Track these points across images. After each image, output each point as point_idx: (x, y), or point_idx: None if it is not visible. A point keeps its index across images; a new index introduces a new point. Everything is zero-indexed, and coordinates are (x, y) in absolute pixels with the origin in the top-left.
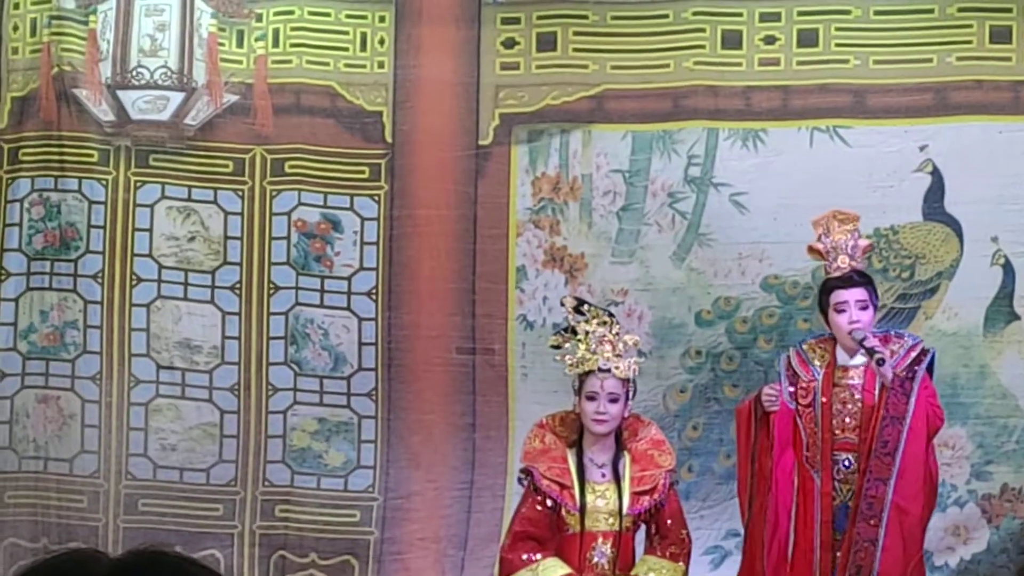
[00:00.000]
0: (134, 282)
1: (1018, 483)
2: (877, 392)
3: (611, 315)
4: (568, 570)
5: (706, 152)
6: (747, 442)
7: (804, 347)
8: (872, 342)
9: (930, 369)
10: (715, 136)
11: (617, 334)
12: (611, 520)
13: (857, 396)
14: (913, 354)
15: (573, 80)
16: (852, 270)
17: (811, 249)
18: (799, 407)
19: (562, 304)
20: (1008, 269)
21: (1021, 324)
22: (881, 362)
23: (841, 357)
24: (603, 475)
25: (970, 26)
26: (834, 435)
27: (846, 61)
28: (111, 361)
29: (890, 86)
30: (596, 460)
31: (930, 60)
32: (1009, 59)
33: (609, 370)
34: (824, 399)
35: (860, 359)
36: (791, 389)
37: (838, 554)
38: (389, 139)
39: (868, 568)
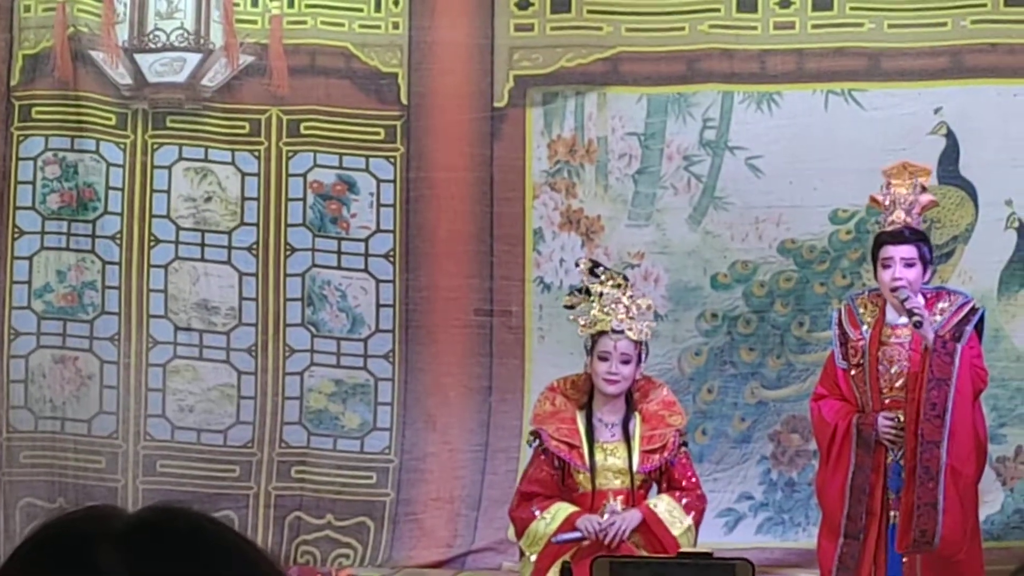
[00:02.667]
0: (152, 243)
1: None
2: (922, 352)
3: (625, 278)
4: (576, 508)
5: (721, 115)
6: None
7: (856, 302)
8: (913, 302)
9: (980, 328)
10: (730, 99)
11: (631, 297)
12: (622, 478)
13: (904, 355)
14: (962, 313)
15: (588, 42)
16: (905, 226)
17: (872, 199)
18: (849, 366)
19: (577, 265)
20: (1022, 233)
21: None
22: (919, 324)
23: (890, 314)
24: (612, 435)
25: None
26: (882, 394)
27: (861, 24)
28: (129, 322)
29: (905, 49)
30: (606, 420)
31: (944, 23)
32: (1023, 22)
33: (622, 331)
34: (871, 358)
35: (907, 318)
36: (840, 348)
37: (891, 514)
38: (404, 101)
39: (931, 531)
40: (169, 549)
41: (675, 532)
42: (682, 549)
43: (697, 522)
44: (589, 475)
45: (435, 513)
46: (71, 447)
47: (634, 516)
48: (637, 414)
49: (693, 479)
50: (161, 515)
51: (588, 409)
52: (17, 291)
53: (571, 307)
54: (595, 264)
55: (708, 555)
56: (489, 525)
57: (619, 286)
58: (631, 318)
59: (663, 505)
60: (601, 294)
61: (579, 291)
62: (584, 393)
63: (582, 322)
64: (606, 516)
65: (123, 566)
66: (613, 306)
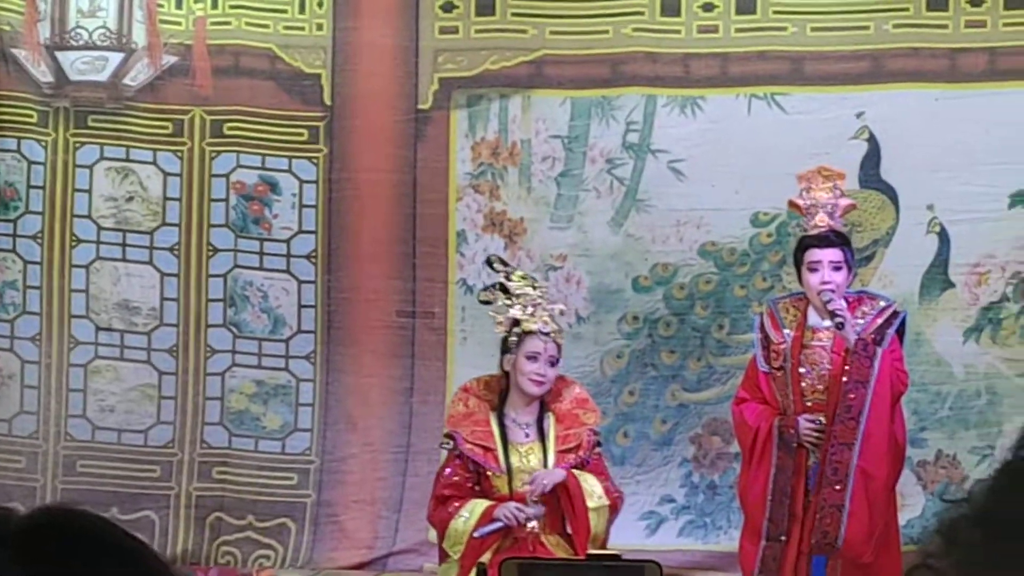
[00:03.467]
0: (73, 243)
1: (952, 449)
2: (844, 355)
3: (535, 280)
4: (492, 501)
5: (644, 118)
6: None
7: (778, 306)
8: (836, 304)
9: (901, 332)
10: (653, 103)
11: (545, 299)
12: None
13: (826, 358)
14: (884, 317)
15: (512, 45)
16: (829, 229)
17: (792, 204)
18: (771, 370)
19: (487, 263)
20: (943, 237)
21: (956, 292)
22: (840, 326)
23: (812, 318)
24: (527, 435)
25: None
26: (804, 397)
27: (784, 28)
28: (50, 322)
29: (827, 53)
30: (520, 421)
31: (867, 27)
32: (946, 26)
33: (549, 334)
34: (793, 361)
35: (830, 321)
36: (762, 352)
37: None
38: (328, 102)
39: (834, 533)
40: (60, 549)
41: (590, 504)
42: (592, 523)
43: (612, 510)
44: (505, 478)
45: (356, 515)
46: None
47: (558, 473)
48: (551, 414)
49: (610, 479)
50: (53, 516)
51: (500, 410)
52: None
53: (488, 302)
54: (493, 260)
55: (616, 557)
56: (410, 527)
57: (535, 287)
58: (555, 321)
59: (587, 478)
60: (519, 294)
61: (496, 288)
62: (497, 394)
63: (501, 319)
64: (529, 505)
65: (16, 567)
66: (535, 308)
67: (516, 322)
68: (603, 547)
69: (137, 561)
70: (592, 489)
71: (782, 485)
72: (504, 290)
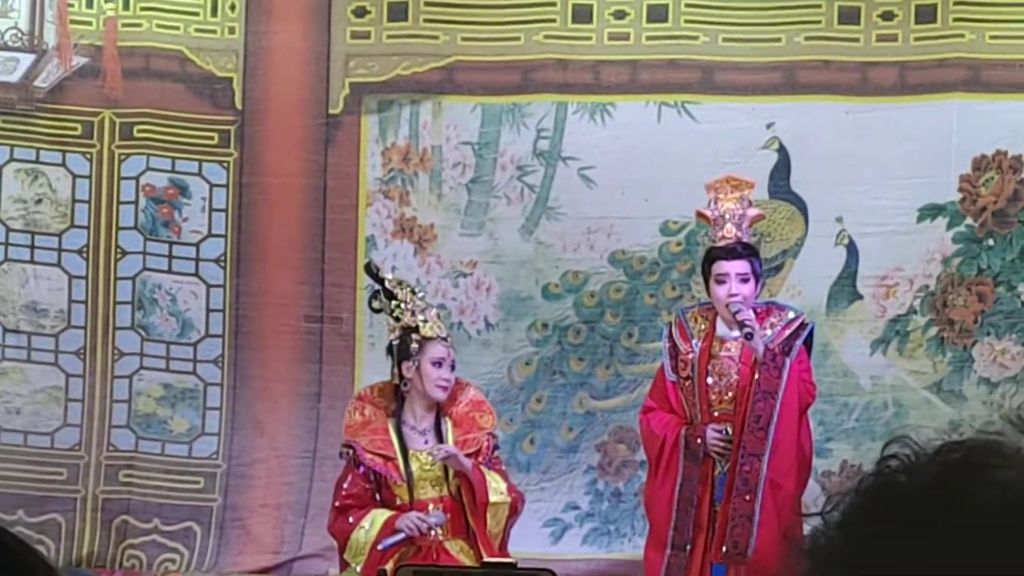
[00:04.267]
0: None
1: (857, 460)
2: (752, 366)
3: (411, 285)
4: (391, 512)
5: (555, 125)
6: (668, 470)
7: (687, 315)
8: (744, 315)
9: (809, 343)
10: (564, 110)
11: (427, 303)
12: (439, 487)
13: (734, 369)
14: (792, 328)
15: (423, 51)
16: (737, 241)
17: (699, 214)
18: (679, 379)
19: (366, 269)
20: (852, 249)
21: (863, 304)
22: (749, 336)
23: (721, 328)
24: (426, 442)
25: (819, 6)
26: (711, 407)
27: (695, 37)
28: None
29: (738, 63)
30: (418, 427)
31: (779, 39)
32: (857, 40)
33: (447, 338)
34: (701, 371)
35: (738, 331)
36: (670, 362)
37: (716, 526)
38: (239, 105)
39: (745, 543)
40: None
41: (492, 498)
42: (487, 520)
43: (512, 510)
44: (406, 486)
45: (262, 519)
46: None
47: (467, 461)
48: (447, 418)
49: (507, 479)
50: None
51: (398, 417)
52: None
53: (379, 310)
54: (371, 267)
55: (512, 565)
56: (316, 532)
57: (415, 292)
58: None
59: (492, 474)
60: (405, 300)
61: (383, 295)
62: (392, 401)
63: (395, 325)
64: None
65: None
66: (426, 312)
67: (409, 328)
68: (502, 548)
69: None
70: (496, 485)
71: (688, 494)
72: (389, 296)
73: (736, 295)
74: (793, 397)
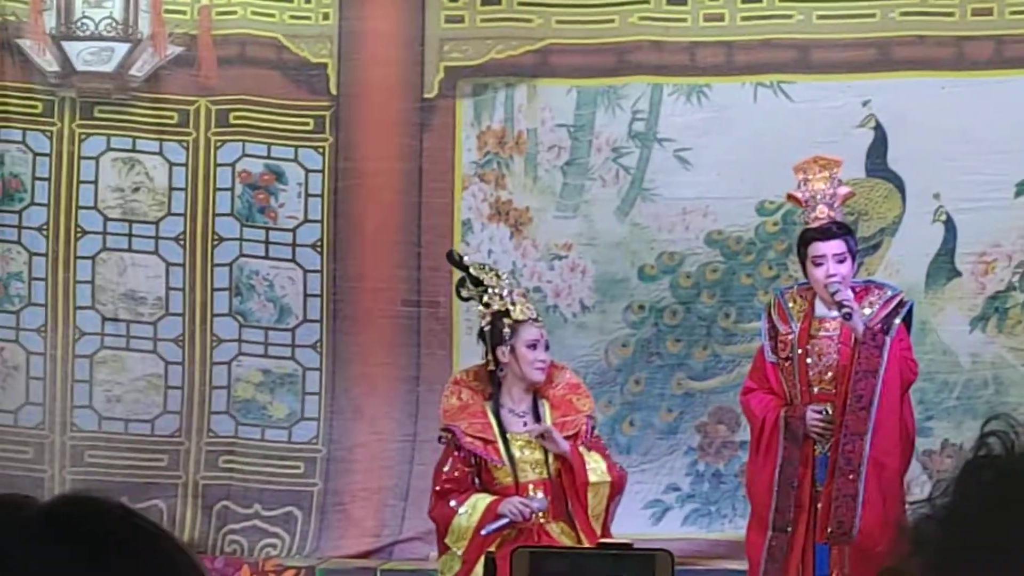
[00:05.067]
0: (79, 234)
1: (958, 439)
2: (852, 345)
3: (496, 268)
4: (494, 496)
5: (650, 107)
6: (768, 451)
7: (785, 296)
8: (843, 295)
9: (908, 321)
10: (659, 91)
11: (513, 285)
12: (540, 469)
13: (833, 348)
14: (891, 306)
15: (518, 34)
16: (831, 221)
17: (790, 197)
18: (779, 360)
19: (448, 257)
20: (950, 226)
21: (962, 281)
22: (848, 316)
23: (819, 308)
24: (524, 424)
25: None
26: (811, 387)
27: (790, 16)
28: (56, 313)
29: (833, 41)
30: (516, 410)
31: (873, 15)
32: (952, 14)
33: (539, 319)
34: (800, 352)
35: (837, 312)
36: (770, 343)
37: (819, 506)
38: (334, 91)
39: (849, 523)
40: (82, 537)
41: (591, 477)
42: (589, 500)
43: (615, 488)
44: (509, 469)
45: (362, 503)
46: None
47: (564, 443)
48: (545, 401)
49: (609, 458)
50: (73, 503)
51: (495, 400)
52: None
53: (469, 299)
54: (454, 255)
55: (628, 546)
56: (416, 515)
57: (500, 276)
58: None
59: (591, 455)
60: (493, 286)
61: (472, 283)
62: (488, 384)
63: (485, 311)
64: (531, 496)
65: (34, 555)
66: (513, 295)
67: (499, 313)
68: (605, 529)
69: (161, 550)
70: (595, 465)
71: (788, 476)
72: (476, 282)
73: (834, 275)
74: (895, 375)
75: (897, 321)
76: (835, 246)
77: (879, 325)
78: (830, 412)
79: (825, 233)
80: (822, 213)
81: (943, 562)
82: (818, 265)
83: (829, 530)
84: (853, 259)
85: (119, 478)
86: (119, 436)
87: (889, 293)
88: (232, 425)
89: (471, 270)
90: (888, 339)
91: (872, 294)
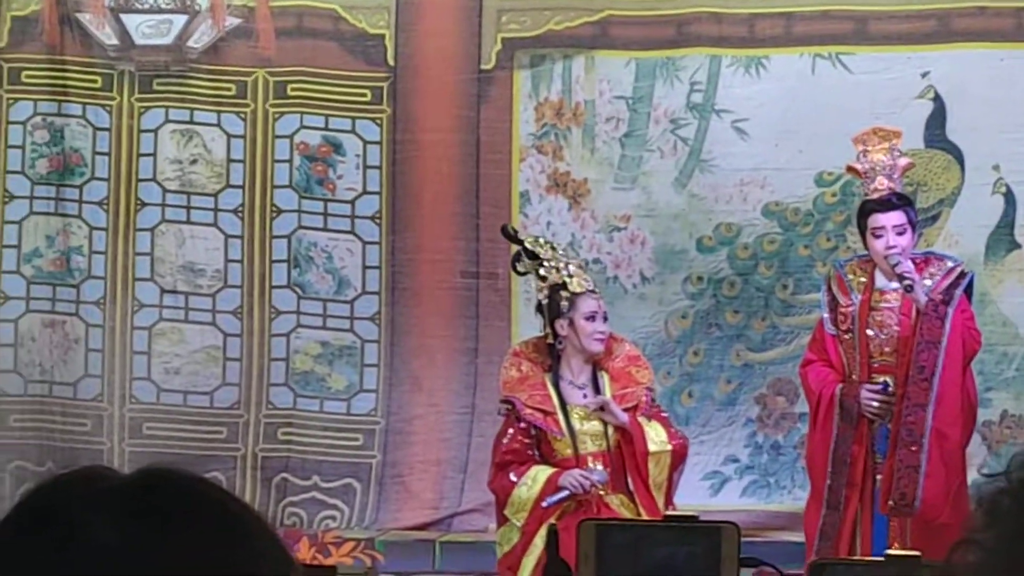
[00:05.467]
0: (138, 207)
1: (1018, 410)
2: (913, 317)
3: (551, 241)
4: (554, 468)
5: (708, 79)
6: (824, 428)
7: (845, 268)
8: (904, 267)
9: (969, 292)
10: (718, 63)
11: (569, 256)
12: (599, 441)
13: (894, 320)
14: (952, 277)
15: (576, 5)
16: (891, 192)
17: (850, 168)
18: (839, 333)
19: (502, 232)
20: (1009, 198)
21: (1022, 252)
22: (910, 288)
23: (880, 280)
24: (584, 396)
25: None
26: (871, 360)
27: None
28: (115, 286)
29: (892, 12)
30: (576, 382)
31: None
32: None
33: (595, 290)
34: (861, 324)
35: (898, 283)
36: (830, 315)
37: (878, 477)
38: (391, 62)
39: (911, 494)
40: (161, 510)
41: (651, 447)
42: (650, 470)
43: (676, 456)
44: (569, 441)
45: (421, 475)
46: (59, 410)
47: (622, 415)
48: (604, 372)
49: (670, 425)
50: (153, 477)
51: (554, 372)
52: (7, 255)
53: (525, 273)
54: (508, 229)
55: (694, 518)
56: (476, 487)
57: (555, 248)
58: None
59: (652, 424)
60: (547, 258)
61: (528, 257)
62: (547, 356)
63: (542, 285)
64: (591, 468)
65: (115, 527)
66: (576, 268)
67: (556, 285)
68: (669, 499)
69: (241, 522)
70: (655, 435)
71: (842, 454)
72: (532, 256)
73: (894, 247)
74: (957, 346)
75: (958, 292)
76: (895, 217)
77: (940, 296)
78: (891, 385)
79: (885, 204)
80: (881, 184)
81: (1018, 535)
82: (878, 237)
83: (891, 502)
84: (913, 230)
85: (177, 450)
86: (178, 408)
87: (950, 264)
88: (291, 397)
89: (526, 244)
90: (950, 310)
91: (932, 265)
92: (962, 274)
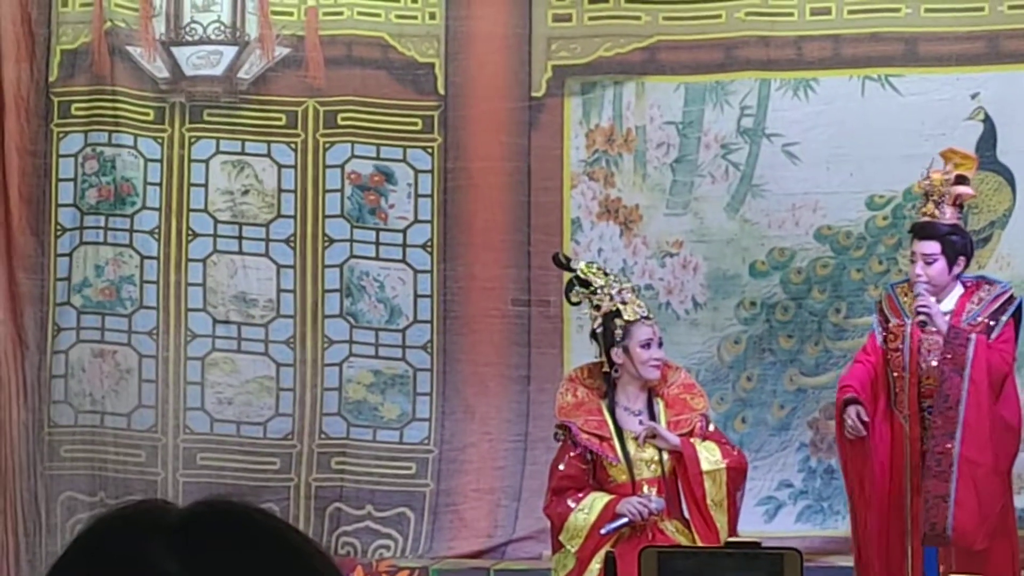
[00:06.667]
0: (190, 237)
1: None
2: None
3: (603, 267)
4: (611, 496)
5: (758, 103)
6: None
7: (896, 290)
8: (922, 300)
9: (1018, 317)
10: (767, 86)
11: (621, 283)
12: (653, 467)
13: (939, 345)
14: (999, 303)
15: (625, 32)
16: (932, 219)
17: (918, 186)
18: (888, 350)
19: (554, 261)
20: None
21: None
22: (923, 324)
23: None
24: (640, 423)
25: None
26: (920, 380)
27: (897, 9)
28: (167, 316)
29: (941, 34)
30: (632, 408)
31: (982, 8)
32: None
33: (650, 317)
34: (912, 345)
35: (943, 306)
36: (883, 334)
37: (908, 506)
38: (442, 91)
39: (942, 524)
40: (221, 542)
41: (704, 466)
42: (707, 489)
43: (735, 472)
44: (625, 467)
45: (475, 504)
46: (111, 441)
47: (673, 438)
48: (660, 399)
49: (727, 442)
50: (212, 508)
51: (610, 398)
52: (59, 288)
53: (578, 303)
54: (560, 258)
55: (756, 544)
56: (530, 515)
57: (607, 275)
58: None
59: (706, 444)
60: (602, 286)
61: (580, 285)
62: (603, 381)
63: (596, 314)
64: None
65: (175, 561)
66: (625, 294)
67: (610, 314)
68: (732, 522)
69: (300, 552)
70: (708, 454)
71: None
72: (584, 284)
73: (920, 276)
74: (982, 372)
75: (1003, 318)
76: (927, 246)
77: (986, 320)
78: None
79: (921, 231)
80: (928, 209)
81: None
82: (913, 262)
83: (923, 532)
84: (952, 260)
85: (231, 481)
86: (231, 438)
87: (999, 290)
88: (344, 427)
89: (579, 272)
90: (974, 336)
91: (982, 290)
92: (1010, 299)
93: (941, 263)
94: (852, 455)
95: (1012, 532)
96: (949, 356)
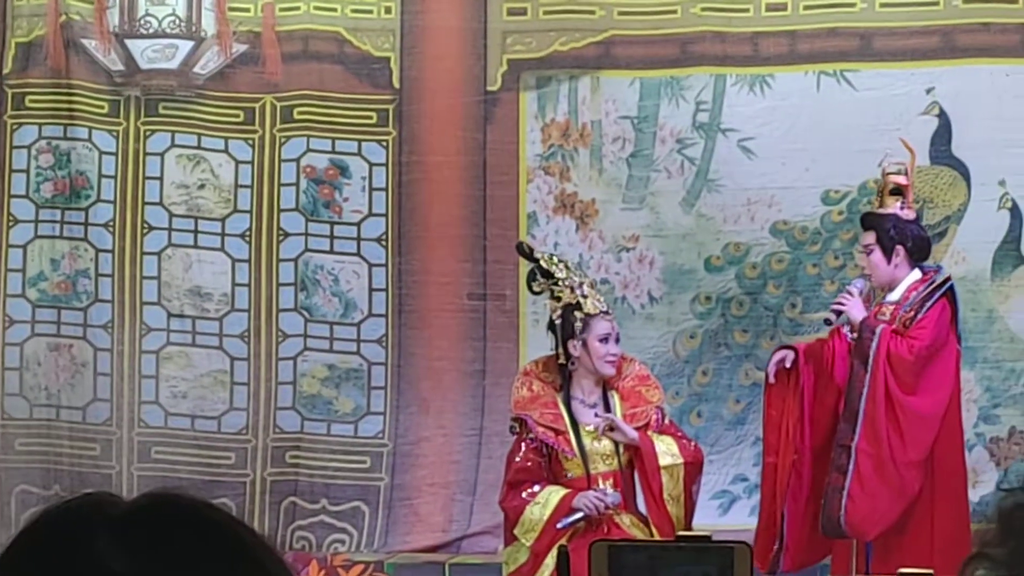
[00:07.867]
0: (145, 230)
1: None
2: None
3: (566, 260)
4: (567, 490)
5: (714, 98)
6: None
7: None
8: (841, 296)
9: (951, 298)
10: (723, 82)
11: (584, 276)
12: (609, 460)
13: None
14: (929, 288)
15: (580, 26)
16: (869, 212)
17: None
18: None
19: (518, 249)
20: (1015, 213)
21: None
22: (828, 322)
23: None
24: (595, 415)
25: None
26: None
27: (853, 4)
28: (123, 309)
29: (897, 29)
30: (587, 401)
31: (936, 2)
32: (1016, 1)
33: (609, 312)
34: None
35: (893, 295)
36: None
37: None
38: (397, 85)
39: (836, 516)
40: (167, 535)
41: (662, 461)
42: (664, 483)
43: (692, 467)
44: (580, 460)
45: (430, 498)
46: (66, 434)
47: (632, 432)
48: (614, 392)
49: (683, 436)
50: (158, 501)
51: (565, 391)
52: (12, 279)
53: (540, 292)
54: (523, 247)
55: (707, 538)
56: (485, 509)
57: (569, 268)
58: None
59: (662, 438)
60: (562, 277)
61: (542, 275)
62: (558, 375)
63: (555, 305)
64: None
65: (122, 553)
66: (589, 289)
67: (570, 306)
68: (689, 514)
69: (246, 546)
70: (666, 448)
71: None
72: (545, 275)
73: (862, 267)
74: (882, 364)
75: (929, 303)
76: (864, 236)
77: (915, 308)
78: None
79: (861, 222)
80: (874, 201)
81: None
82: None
83: (822, 524)
84: (888, 250)
85: (186, 475)
86: (186, 432)
87: (933, 276)
88: (298, 421)
89: (541, 262)
90: (882, 326)
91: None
92: (942, 284)
93: (877, 253)
94: (772, 399)
95: (958, 521)
96: (857, 349)
